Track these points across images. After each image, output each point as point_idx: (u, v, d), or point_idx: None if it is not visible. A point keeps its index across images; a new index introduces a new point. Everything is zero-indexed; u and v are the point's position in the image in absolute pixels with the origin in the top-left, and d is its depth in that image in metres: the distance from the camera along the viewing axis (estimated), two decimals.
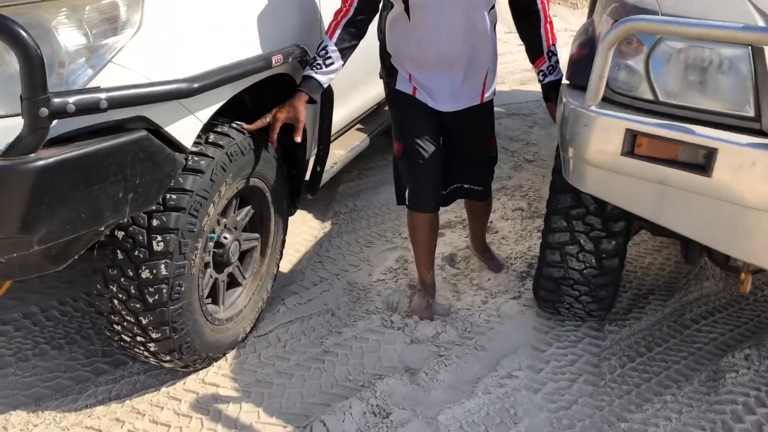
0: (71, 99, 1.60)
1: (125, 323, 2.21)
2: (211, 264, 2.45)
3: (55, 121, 1.62)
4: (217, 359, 2.54)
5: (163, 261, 2.12)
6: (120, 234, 2.12)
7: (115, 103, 1.71)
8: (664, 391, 2.50)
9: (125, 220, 2.01)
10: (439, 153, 2.77)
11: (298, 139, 2.49)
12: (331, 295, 3.05)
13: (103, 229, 1.88)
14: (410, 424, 2.28)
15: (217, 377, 2.47)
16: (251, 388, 2.43)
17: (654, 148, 2.04)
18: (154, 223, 2.11)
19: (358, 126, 3.99)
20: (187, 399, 2.35)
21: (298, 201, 2.95)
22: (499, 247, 3.55)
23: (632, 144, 2.07)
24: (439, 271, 3.25)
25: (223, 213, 2.47)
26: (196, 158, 2.19)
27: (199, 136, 2.24)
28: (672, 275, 3.34)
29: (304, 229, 3.69)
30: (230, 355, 2.61)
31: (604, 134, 2.11)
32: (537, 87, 6.46)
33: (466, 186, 2.91)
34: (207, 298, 2.51)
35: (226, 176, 2.29)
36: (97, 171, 1.73)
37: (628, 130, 2.06)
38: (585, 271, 2.63)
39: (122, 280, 2.14)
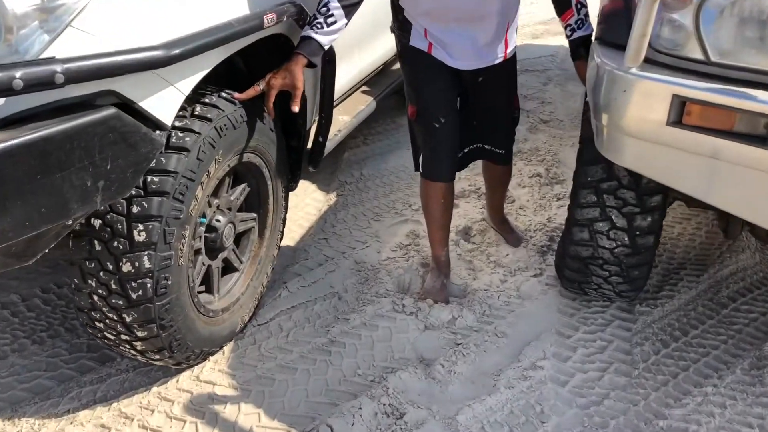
0: (18, 73, 1.34)
1: (107, 321, 1.98)
2: (203, 250, 2.21)
3: (1, 100, 1.36)
4: (213, 353, 2.32)
5: (146, 252, 1.88)
6: (97, 223, 1.87)
7: (75, 77, 1.45)
8: (704, 382, 2.27)
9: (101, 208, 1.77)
10: (456, 117, 2.52)
11: (296, 108, 2.22)
12: (338, 277, 2.81)
13: (71, 222, 1.64)
14: (426, 425, 2.07)
15: (213, 374, 2.26)
16: (251, 386, 2.22)
17: (706, 117, 1.77)
18: (135, 210, 1.87)
19: (364, 88, 3.70)
20: (181, 400, 2.14)
21: (299, 175, 2.69)
22: (517, 218, 3.29)
23: (680, 112, 1.80)
24: (453, 247, 3.00)
25: (215, 193, 2.22)
26: (180, 134, 1.93)
27: (183, 110, 1.97)
28: (704, 247, 3.08)
29: (307, 202, 3.43)
30: (228, 347, 2.39)
31: (646, 101, 1.84)
32: (550, 41, 6.13)
33: (486, 147, 2.66)
34: (201, 285, 2.28)
35: (215, 153, 2.03)
36: (58, 157, 1.47)
37: (675, 96, 1.79)
38: (616, 250, 2.38)
39: (101, 274, 1.90)
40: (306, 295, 2.68)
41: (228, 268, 2.42)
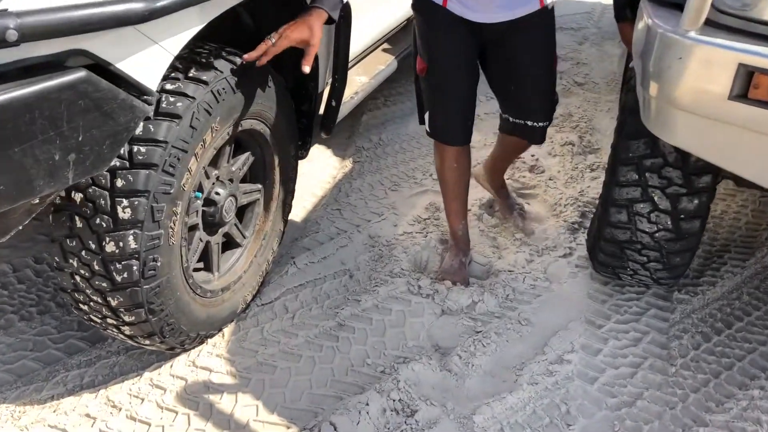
0: None
1: (91, 303, 1.80)
2: (200, 225, 2.02)
3: None
4: (211, 336, 2.15)
5: (132, 231, 1.69)
6: (77, 197, 1.68)
7: (33, 33, 1.23)
8: (750, 383, 2.05)
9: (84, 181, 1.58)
10: (473, 78, 2.28)
11: (307, 68, 1.97)
12: (350, 252, 2.61)
13: (37, 201, 1.44)
14: (440, 425, 1.88)
15: (210, 359, 2.08)
16: (251, 374, 2.04)
17: None
18: (119, 183, 1.67)
19: (385, 46, 3.44)
20: (174, 388, 1.97)
21: (310, 142, 2.47)
22: (546, 191, 3.05)
23: (746, 84, 1.54)
24: (475, 222, 2.78)
25: (214, 163, 2.01)
26: (171, 100, 1.72)
27: (174, 71, 1.76)
28: (750, 227, 2.82)
29: (320, 168, 3.21)
30: (228, 329, 2.21)
31: (705, 70, 1.58)
32: None
33: (529, 124, 2.34)
34: (199, 262, 2.09)
35: (212, 120, 1.82)
36: (16, 128, 1.27)
37: (741, 66, 1.53)
38: (657, 234, 2.14)
39: (83, 253, 1.72)
40: (315, 272, 2.49)
41: (230, 244, 2.23)
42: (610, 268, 2.36)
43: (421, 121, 2.41)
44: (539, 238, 2.74)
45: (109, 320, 1.83)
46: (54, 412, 1.87)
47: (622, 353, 2.17)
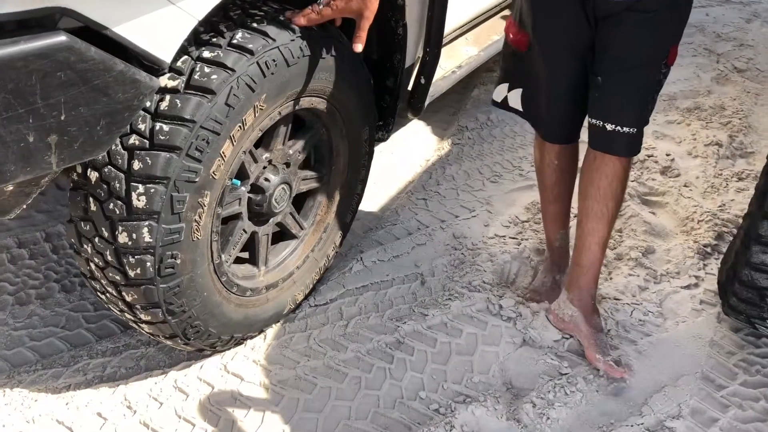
0: None
1: (107, 294, 1.59)
2: (244, 215, 1.75)
3: None
4: (251, 338, 1.90)
5: (146, 223, 1.44)
6: (93, 176, 1.46)
7: None
8: None
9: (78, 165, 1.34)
10: (579, 68, 1.77)
11: (359, 46, 1.64)
12: (427, 253, 2.27)
13: (11, 188, 1.21)
14: None
15: (244, 365, 1.84)
16: (285, 389, 1.78)
17: None
18: (135, 166, 1.42)
19: (506, 12, 2.99)
20: (198, 394, 1.75)
21: (392, 123, 2.12)
22: (678, 200, 2.54)
23: None
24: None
25: (267, 145, 1.73)
26: (206, 70, 1.44)
27: (218, 34, 1.47)
28: None
29: (413, 148, 2.86)
30: (273, 330, 1.95)
31: None
32: None
33: (609, 128, 1.72)
34: (243, 252, 1.84)
35: (255, 98, 1.52)
36: None
37: None
38: None
39: (97, 240, 1.50)
40: (382, 272, 2.17)
41: (284, 235, 1.96)
42: (744, 315, 1.88)
43: (493, 103, 1.97)
44: (659, 260, 2.27)
45: (127, 315, 1.62)
46: (66, 405, 1.70)
47: (746, 429, 1.71)
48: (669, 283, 2.17)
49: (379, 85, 2.05)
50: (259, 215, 1.80)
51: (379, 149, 2.80)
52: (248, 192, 1.74)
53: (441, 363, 1.87)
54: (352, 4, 1.55)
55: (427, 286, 2.13)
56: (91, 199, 1.47)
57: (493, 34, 2.79)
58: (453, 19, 2.50)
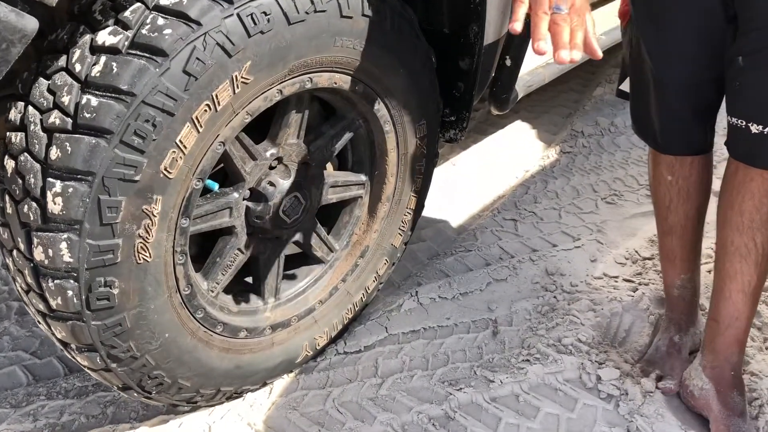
0: None
1: (42, 325, 1.20)
2: (240, 231, 1.30)
3: None
4: (251, 390, 1.45)
5: (64, 235, 1.02)
6: (9, 166, 1.07)
7: None
8: None
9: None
10: (707, 52, 1.24)
11: (518, 25, 1.01)
12: (507, 292, 1.71)
13: None
14: None
15: (236, 428, 1.38)
16: None
17: None
18: (53, 154, 1.01)
19: None
20: None
21: (467, 119, 1.60)
22: None
23: None
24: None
25: (273, 137, 1.28)
26: (158, 22, 1.01)
27: None
28: None
29: (508, 154, 2.30)
30: (284, 380, 1.49)
31: None
32: None
33: (755, 129, 1.18)
34: (246, 275, 1.40)
35: (234, 65, 1.07)
36: None
37: None
38: None
39: (15, 254, 1.11)
40: (441, 314, 1.65)
41: (307, 257, 1.49)
42: None
43: (619, 94, 1.56)
44: None
45: (70, 353, 1.21)
46: None
47: None
48: None
49: (450, 66, 1.53)
50: (263, 231, 1.35)
51: (463, 153, 2.28)
52: (245, 200, 1.29)
53: None
54: None
55: (500, 339, 1.58)
56: (7, 198, 1.08)
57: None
58: None
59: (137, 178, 1.03)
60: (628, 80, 1.43)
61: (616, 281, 1.74)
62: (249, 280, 1.44)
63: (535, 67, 1.84)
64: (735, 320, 1.35)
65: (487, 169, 2.20)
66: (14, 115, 1.07)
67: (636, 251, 1.83)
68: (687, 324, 1.50)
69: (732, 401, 1.36)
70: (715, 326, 1.37)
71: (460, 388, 1.45)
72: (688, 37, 1.22)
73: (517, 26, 0.98)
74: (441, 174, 1.65)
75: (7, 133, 1.07)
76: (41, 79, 1.05)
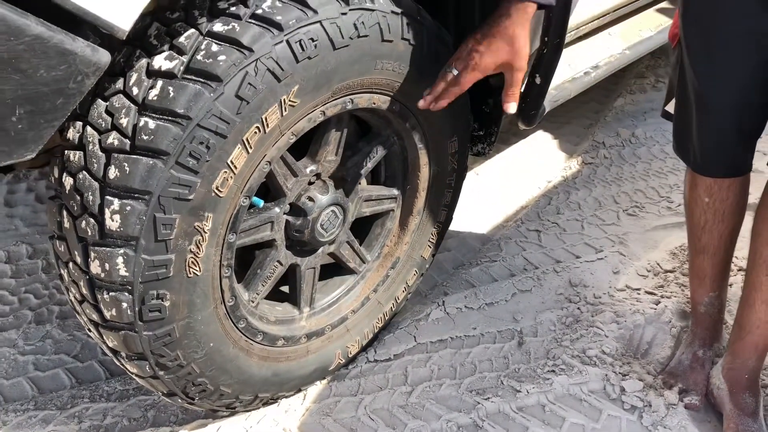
0: None
1: (93, 334, 1.25)
2: (280, 244, 1.35)
3: None
4: (286, 396, 1.50)
5: (121, 250, 1.07)
6: (68, 183, 1.12)
7: None
8: None
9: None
10: (753, 71, 1.24)
11: (510, 107, 1.29)
12: (531, 303, 1.76)
13: None
14: None
15: (284, 422, 1.43)
16: None
17: None
18: (111, 173, 1.06)
19: (665, 4, 2.40)
20: None
21: (495, 134, 1.65)
22: None
23: None
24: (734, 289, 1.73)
25: (312, 155, 1.33)
26: (214, 48, 1.05)
27: (238, 2, 1.09)
28: None
29: (530, 165, 2.34)
30: (315, 389, 1.54)
31: None
32: None
33: None
34: (282, 285, 1.45)
35: (283, 90, 1.12)
36: None
37: None
38: None
39: (71, 266, 1.16)
40: (468, 323, 1.69)
41: (340, 268, 1.54)
42: None
43: (664, 114, 1.53)
44: None
45: (117, 362, 1.27)
46: None
47: None
48: None
49: (481, 83, 1.57)
50: (301, 244, 1.40)
51: (486, 165, 2.32)
52: (285, 214, 1.34)
53: None
54: (498, 58, 1.20)
55: (526, 350, 1.63)
56: (65, 213, 1.13)
57: (645, 29, 2.22)
58: (590, 6, 1.98)
59: (191, 197, 1.08)
60: (673, 101, 1.47)
61: (639, 293, 1.78)
62: (284, 289, 1.49)
63: (561, 82, 1.88)
64: (756, 328, 1.39)
65: (509, 180, 2.25)
66: (72, 134, 1.12)
67: (658, 263, 1.86)
68: (711, 339, 1.54)
69: (744, 402, 1.41)
70: (738, 330, 1.43)
71: (488, 398, 1.50)
72: (739, 61, 1.24)
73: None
74: (464, 183, 1.70)
75: (66, 151, 1.12)
76: (99, 100, 1.10)
